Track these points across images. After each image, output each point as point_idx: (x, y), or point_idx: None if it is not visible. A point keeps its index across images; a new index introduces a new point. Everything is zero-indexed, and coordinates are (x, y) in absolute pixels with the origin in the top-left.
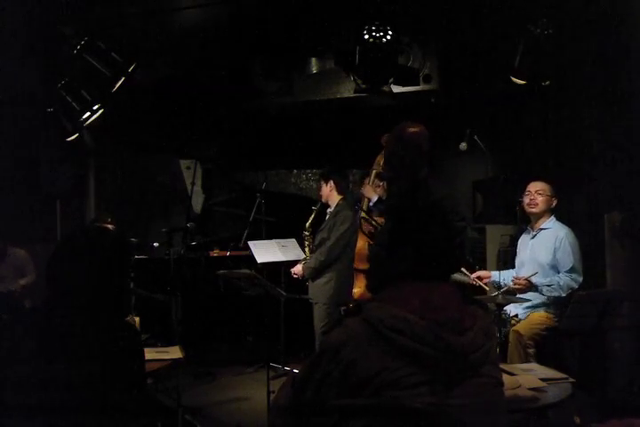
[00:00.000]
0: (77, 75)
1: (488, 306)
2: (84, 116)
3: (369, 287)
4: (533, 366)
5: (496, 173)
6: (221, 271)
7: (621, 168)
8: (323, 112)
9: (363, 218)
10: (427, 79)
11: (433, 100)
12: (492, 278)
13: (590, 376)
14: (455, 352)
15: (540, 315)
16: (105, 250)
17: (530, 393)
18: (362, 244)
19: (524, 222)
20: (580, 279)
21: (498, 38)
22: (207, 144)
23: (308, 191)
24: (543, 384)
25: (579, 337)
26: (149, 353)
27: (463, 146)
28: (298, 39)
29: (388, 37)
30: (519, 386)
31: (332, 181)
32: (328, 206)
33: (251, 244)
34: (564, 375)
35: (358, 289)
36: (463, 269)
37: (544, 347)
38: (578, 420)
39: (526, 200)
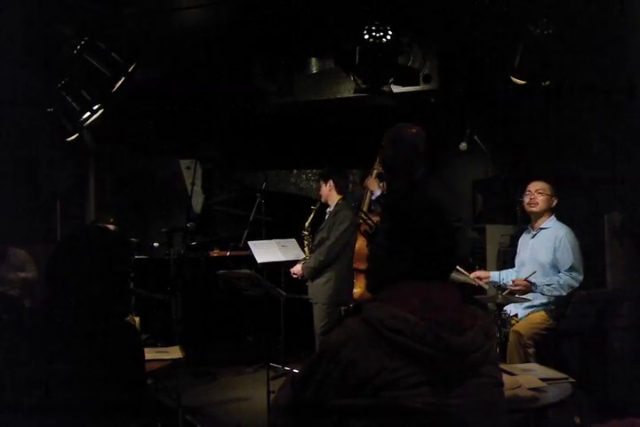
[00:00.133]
0: (77, 75)
1: (488, 306)
2: (84, 116)
3: (368, 287)
4: (533, 366)
5: (496, 173)
6: (221, 271)
7: (621, 168)
8: (323, 112)
9: (360, 217)
10: (427, 79)
11: (433, 100)
12: (492, 279)
13: (590, 376)
14: (455, 352)
15: (540, 315)
16: (105, 250)
17: (530, 393)
18: (361, 243)
19: (524, 222)
20: (581, 278)
21: (498, 38)
22: (207, 144)
23: (308, 191)
24: (543, 384)
25: (579, 337)
26: (149, 353)
27: (463, 146)
28: (298, 39)
29: (388, 37)
30: (519, 386)
31: (331, 181)
32: (327, 206)
33: (251, 244)
34: (564, 375)
35: (358, 289)
36: (458, 267)
37: (544, 347)
38: (578, 420)
39: (526, 199)
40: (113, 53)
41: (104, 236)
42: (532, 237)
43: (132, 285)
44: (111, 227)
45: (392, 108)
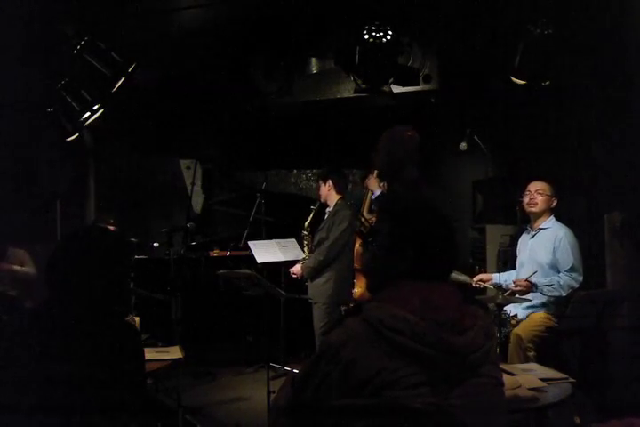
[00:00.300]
0: (77, 75)
1: (488, 306)
2: (84, 116)
3: (369, 287)
4: (533, 366)
5: (496, 173)
6: (221, 271)
7: (621, 168)
8: (322, 112)
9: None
10: (427, 79)
11: (433, 100)
12: (494, 280)
13: (590, 376)
14: (455, 352)
15: (540, 315)
16: (105, 250)
17: (530, 393)
18: (360, 243)
19: (524, 222)
20: (581, 278)
21: (498, 38)
22: (207, 144)
23: (308, 191)
24: (543, 384)
25: (579, 337)
26: (149, 353)
27: (463, 146)
28: (298, 39)
29: (388, 37)
30: (519, 386)
31: (330, 181)
32: (327, 206)
33: (251, 244)
34: (564, 375)
35: (358, 289)
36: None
37: (544, 347)
38: (578, 420)
39: (526, 200)
40: (113, 53)
41: (104, 236)
42: (532, 237)
43: (132, 285)
44: (111, 227)
45: (392, 108)
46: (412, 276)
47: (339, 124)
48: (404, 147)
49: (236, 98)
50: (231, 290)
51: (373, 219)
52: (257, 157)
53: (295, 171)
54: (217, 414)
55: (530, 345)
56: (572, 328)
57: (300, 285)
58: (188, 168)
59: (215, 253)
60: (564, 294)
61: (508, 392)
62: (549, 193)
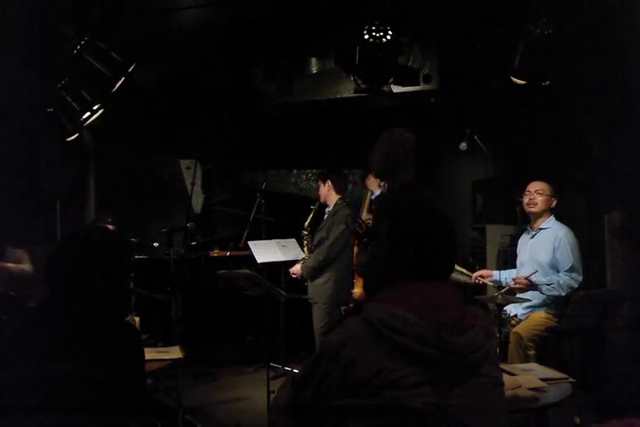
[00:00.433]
0: (77, 75)
1: (488, 306)
2: (84, 116)
3: (366, 288)
4: (533, 366)
5: (496, 173)
6: (221, 271)
7: (621, 168)
8: (323, 112)
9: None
10: (427, 79)
11: (433, 100)
12: (493, 278)
13: (590, 376)
14: (455, 352)
15: (540, 315)
16: (105, 250)
17: (530, 393)
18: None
19: (524, 222)
20: (580, 278)
21: (498, 38)
22: (207, 144)
23: (308, 191)
24: (543, 384)
25: (579, 337)
26: (149, 353)
27: (463, 146)
28: (298, 39)
29: (388, 37)
30: (519, 386)
31: (330, 181)
32: (326, 206)
33: (251, 244)
34: (564, 375)
35: (358, 289)
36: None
37: (544, 347)
38: (578, 420)
39: (526, 200)
40: (113, 53)
41: (104, 236)
42: (532, 237)
43: (132, 285)
44: (111, 227)
45: (392, 108)
46: (411, 276)
47: (338, 125)
48: (402, 148)
49: (236, 98)
50: (231, 290)
51: (370, 219)
52: (257, 157)
53: (295, 171)
54: (217, 414)
55: (530, 344)
56: (571, 328)
57: (299, 285)
58: (188, 168)
59: (215, 253)
60: (564, 294)
61: (507, 392)
62: (549, 193)
